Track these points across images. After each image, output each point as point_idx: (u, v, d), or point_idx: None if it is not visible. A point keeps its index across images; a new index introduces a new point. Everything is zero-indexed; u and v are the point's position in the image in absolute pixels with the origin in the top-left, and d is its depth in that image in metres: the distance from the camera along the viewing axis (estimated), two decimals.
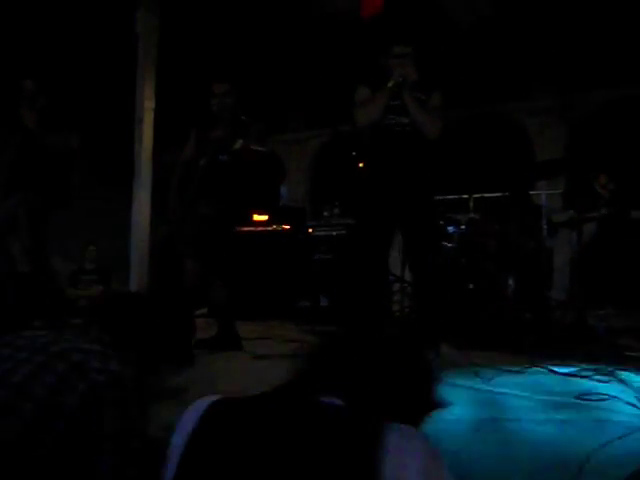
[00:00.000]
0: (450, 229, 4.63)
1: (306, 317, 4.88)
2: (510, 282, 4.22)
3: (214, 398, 0.96)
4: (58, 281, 3.76)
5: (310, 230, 5.64)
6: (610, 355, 3.21)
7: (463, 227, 4.59)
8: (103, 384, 1.16)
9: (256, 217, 5.57)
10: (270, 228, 5.51)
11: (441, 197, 5.35)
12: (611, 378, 2.63)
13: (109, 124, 6.90)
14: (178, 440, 0.92)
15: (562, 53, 7.65)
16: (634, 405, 2.13)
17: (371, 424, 0.84)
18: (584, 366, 2.85)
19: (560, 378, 2.72)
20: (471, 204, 5.04)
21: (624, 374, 2.70)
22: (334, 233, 5.45)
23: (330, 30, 7.33)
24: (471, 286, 4.15)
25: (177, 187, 3.49)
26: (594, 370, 2.73)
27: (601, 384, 2.54)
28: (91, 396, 1.14)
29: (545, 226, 4.41)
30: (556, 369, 2.84)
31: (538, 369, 2.88)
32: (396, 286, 5.24)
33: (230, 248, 3.51)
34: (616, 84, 7.39)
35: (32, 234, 3.30)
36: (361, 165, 5.57)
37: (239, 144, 3.38)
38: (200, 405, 0.94)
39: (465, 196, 5.21)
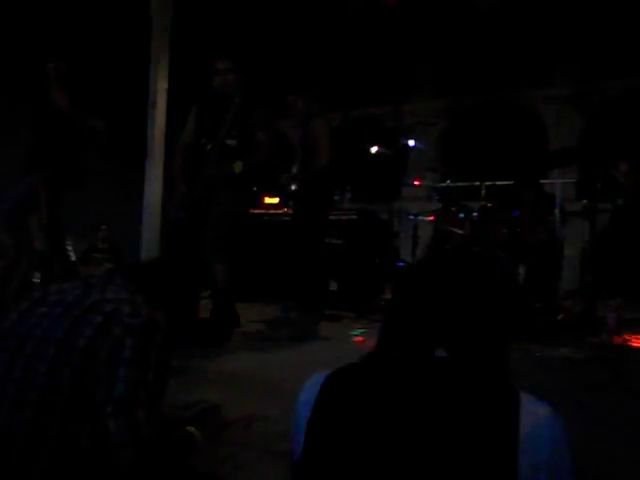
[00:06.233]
0: (462, 216, 4.61)
1: (315, 301, 4.89)
2: (521, 271, 4.20)
3: (329, 371, 0.96)
4: (73, 260, 3.79)
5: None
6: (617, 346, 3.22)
7: (475, 215, 4.57)
8: (137, 325, 1.24)
9: (267, 200, 5.57)
10: (281, 211, 5.50)
11: (453, 184, 5.32)
12: None
13: (122, 105, 6.91)
14: (304, 411, 0.94)
15: (579, 41, 7.53)
16: None
17: (506, 385, 0.86)
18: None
19: None
20: (483, 192, 5.01)
21: None
22: (345, 217, 5.44)
23: (343, 13, 7.26)
24: None
25: (182, 171, 3.45)
26: None
27: None
28: (124, 334, 1.22)
29: (558, 215, 4.37)
30: None
31: None
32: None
33: (239, 231, 3.51)
34: (632, 73, 7.27)
35: (50, 212, 3.33)
36: (373, 150, 5.56)
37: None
38: (319, 377, 0.96)
39: (477, 183, 5.18)
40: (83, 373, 1.17)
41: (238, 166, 3.27)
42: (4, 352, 1.22)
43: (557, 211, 4.34)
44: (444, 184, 5.46)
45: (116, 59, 6.86)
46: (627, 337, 3.51)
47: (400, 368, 0.91)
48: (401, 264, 5.35)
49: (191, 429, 1.46)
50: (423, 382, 0.87)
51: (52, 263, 3.35)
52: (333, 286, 5.27)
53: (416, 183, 6.34)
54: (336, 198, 6.65)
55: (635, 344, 3.40)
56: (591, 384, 2.41)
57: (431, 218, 5.17)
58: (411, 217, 5.42)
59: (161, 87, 5.83)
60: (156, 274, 1.52)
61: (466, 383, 0.86)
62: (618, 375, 2.52)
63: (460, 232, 4.57)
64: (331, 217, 5.48)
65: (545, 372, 2.74)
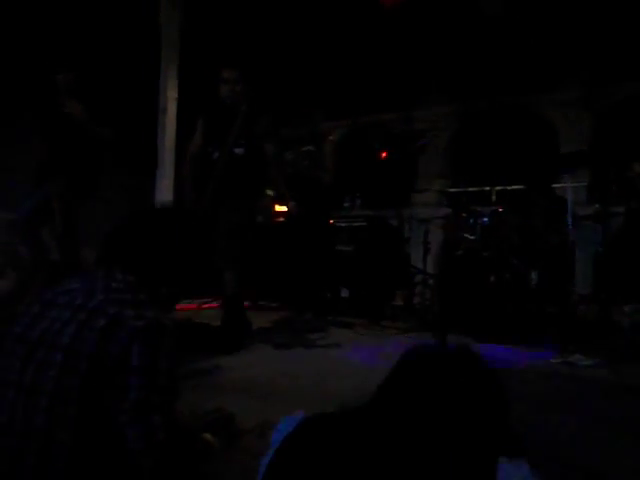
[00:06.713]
0: (471, 221, 4.59)
1: (327, 308, 4.89)
2: (533, 276, 4.18)
3: (309, 415, 0.99)
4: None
5: (331, 221, 5.63)
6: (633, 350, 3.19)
7: (486, 219, 4.55)
8: (142, 329, 1.22)
9: (277, 208, 5.59)
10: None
11: (463, 189, 5.31)
12: None
13: (132, 114, 6.97)
14: (275, 439, 0.98)
15: (588, 44, 7.49)
16: None
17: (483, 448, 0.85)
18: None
19: None
20: (493, 196, 4.99)
21: None
22: (355, 224, 5.45)
23: (350, 20, 7.28)
24: (493, 279, 4.12)
25: (191, 183, 3.48)
26: None
27: None
28: (130, 340, 1.21)
29: (570, 219, 4.34)
30: None
31: None
32: (418, 278, 5.25)
33: (250, 239, 3.52)
34: None
35: (65, 222, 3.36)
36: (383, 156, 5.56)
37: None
38: (294, 419, 1.00)
39: (487, 188, 5.16)
40: (91, 380, 1.18)
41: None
42: (16, 358, 1.22)
43: (569, 215, 4.31)
44: (454, 189, 5.45)
45: (126, 69, 6.93)
46: None
47: (371, 435, 0.88)
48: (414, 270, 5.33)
49: (207, 436, 1.46)
50: (391, 454, 0.84)
51: (64, 273, 3.36)
52: (344, 293, 5.27)
53: (426, 189, 6.32)
54: (346, 205, 6.68)
55: None
56: (605, 388, 2.39)
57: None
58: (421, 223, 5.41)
59: (171, 96, 5.89)
60: (150, 260, 1.46)
61: (440, 461, 0.83)
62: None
63: (470, 237, 4.56)
64: (341, 224, 5.51)
65: (558, 377, 2.72)
